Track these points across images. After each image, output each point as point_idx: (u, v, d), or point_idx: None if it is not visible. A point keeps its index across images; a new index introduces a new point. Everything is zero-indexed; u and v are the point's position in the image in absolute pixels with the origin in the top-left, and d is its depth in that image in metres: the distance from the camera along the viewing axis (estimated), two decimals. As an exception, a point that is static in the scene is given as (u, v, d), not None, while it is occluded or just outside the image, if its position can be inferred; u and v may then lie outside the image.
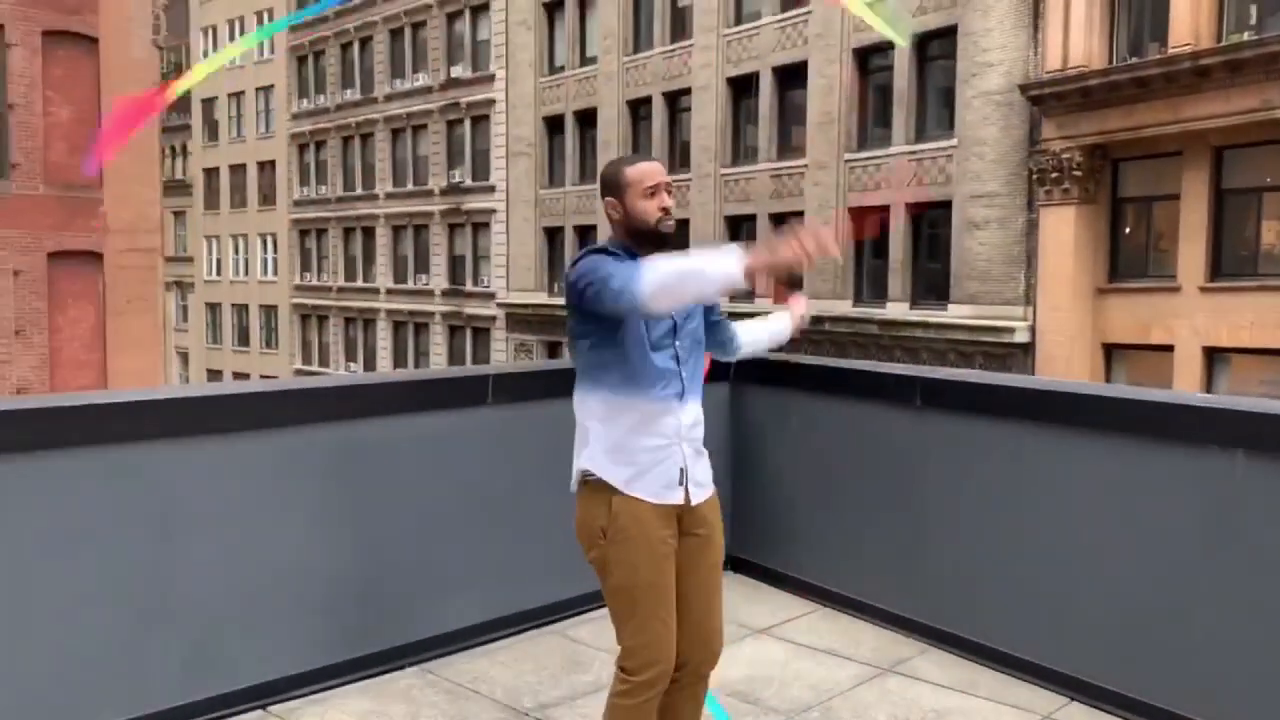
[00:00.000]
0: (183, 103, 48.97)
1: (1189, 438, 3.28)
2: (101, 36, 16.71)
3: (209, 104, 46.72)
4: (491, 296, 33.42)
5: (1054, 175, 19.52)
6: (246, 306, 44.58)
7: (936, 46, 22.30)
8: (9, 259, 16.17)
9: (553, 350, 31.63)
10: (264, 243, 43.79)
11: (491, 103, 33.33)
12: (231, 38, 45.62)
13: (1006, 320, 20.67)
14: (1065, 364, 19.34)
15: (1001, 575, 3.86)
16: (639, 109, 29.14)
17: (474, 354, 33.92)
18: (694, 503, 2.65)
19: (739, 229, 26.57)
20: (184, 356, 48.22)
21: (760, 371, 4.87)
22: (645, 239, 2.63)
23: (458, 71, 34.68)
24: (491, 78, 33.35)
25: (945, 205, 21.88)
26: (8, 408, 2.99)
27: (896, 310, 22.78)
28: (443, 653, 3.90)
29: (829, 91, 23.94)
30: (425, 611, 3.90)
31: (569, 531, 4.22)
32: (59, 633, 3.05)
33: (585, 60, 30.70)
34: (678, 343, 2.64)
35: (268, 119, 43.71)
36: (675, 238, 2.69)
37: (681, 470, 2.62)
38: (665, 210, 2.63)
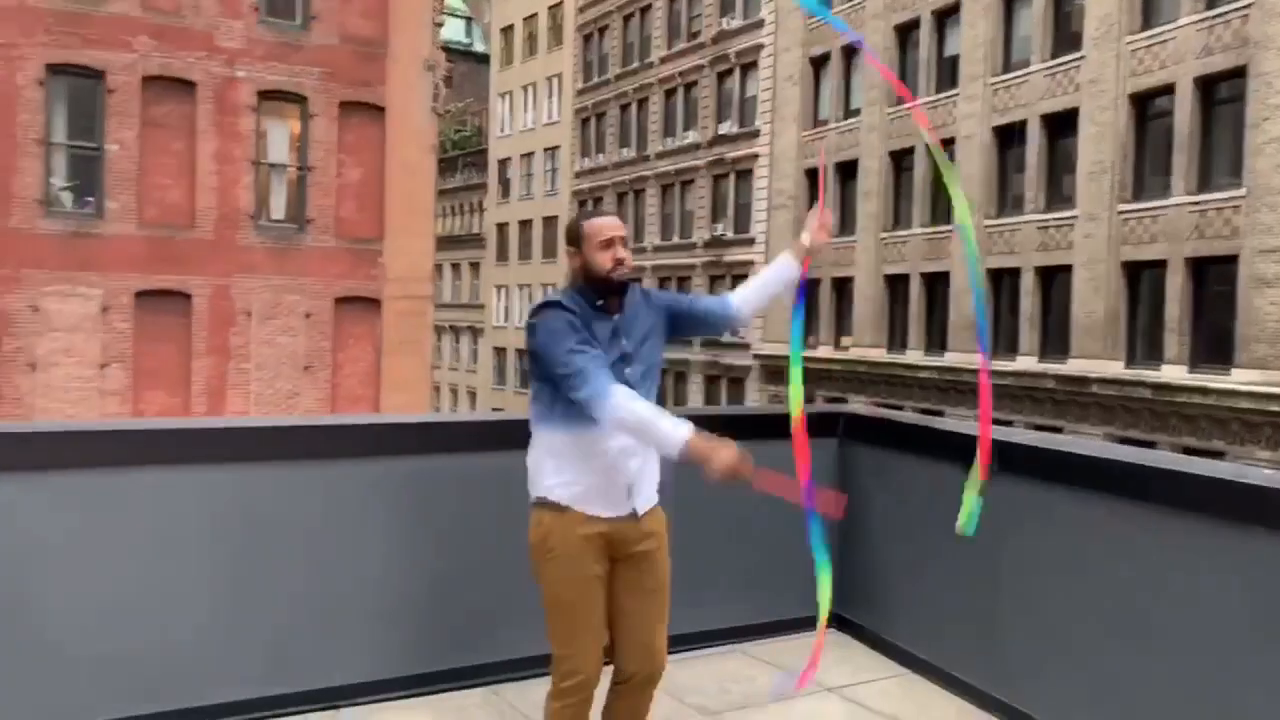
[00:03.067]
0: (480, 162, 53.24)
1: (1247, 517, 3.01)
2: (388, 106, 18.69)
3: (503, 164, 50.47)
4: (747, 348, 33.80)
5: (1358, 227, 17.45)
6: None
7: (1224, 89, 20.62)
8: (302, 303, 18.29)
9: (807, 400, 31.46)
10: (545, 293, 46.54)
11: (755, 157, 33.96)
12: (526, 104, 49.20)
13: (1299, 388, 18.59)
14: (1370, 439, 17.11)
15: (1064, 652, 3.64)
16: (901, 160, 28.76)
17: (728, 404, 34.33)
18: (641, 512, 2.87)
19: (1002, 282, 25.50)
20: (472, 396, 51.90)
21: (865, 429, 4.84)
22: (600, 285, 2.85)
23: (725, 128, 35.62)
24: (756, 133, 34.02)
25: (1231, 260, 20.04)
26: (122, 428, 3.56)
27: (1173, 373, 21.03)
28: (515, 678, 4.13)
29: (1101, 139, 22.66)
30: (499, 637, 4.16)
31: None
32: (158, 623, 3.56)
33: (849, 113, 30.70)
34: (628, 369, 2.83)
35: (553, 178, 46.65)
36: (627, 285, 2.91)
37: (629, 488, 2.84)
38: (619, 261, 2.84)
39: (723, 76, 36.11)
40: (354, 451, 3.94)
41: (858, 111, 30.19)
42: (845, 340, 30.58)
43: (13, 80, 16.15)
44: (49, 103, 16.60)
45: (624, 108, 41.59)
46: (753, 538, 4.76)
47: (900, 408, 28.26)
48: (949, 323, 26.85)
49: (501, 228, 50.17)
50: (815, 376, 31.22)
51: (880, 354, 29.06)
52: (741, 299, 3.17)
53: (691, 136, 37.32)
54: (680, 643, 4.54)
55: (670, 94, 38.77)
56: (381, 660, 3.94)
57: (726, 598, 4.75)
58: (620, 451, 2.83)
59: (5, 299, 16.24)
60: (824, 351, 31.09)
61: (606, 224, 2.88)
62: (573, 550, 2.78)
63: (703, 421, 4.13)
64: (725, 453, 2.54)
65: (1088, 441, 4.73)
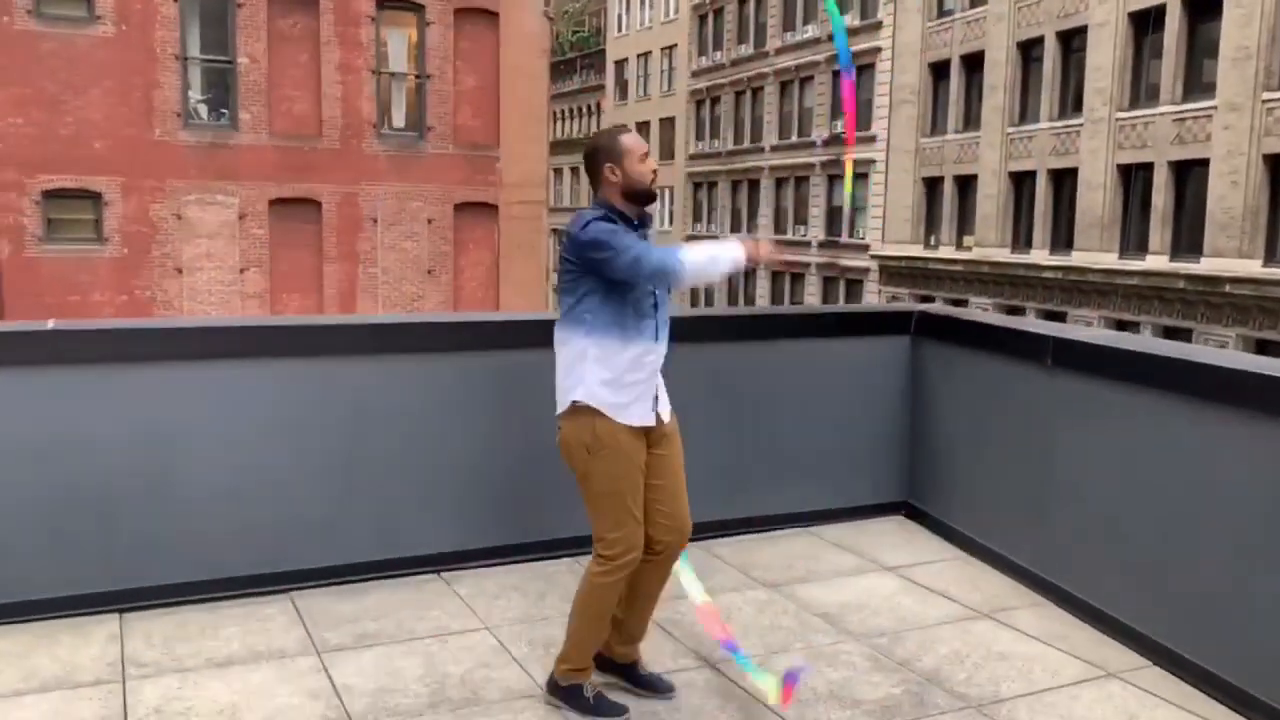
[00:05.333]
0: (598, 64, 52.96)
1: None
2: (501, 11, 18.89)
3: (620, 65, 50.12)
4: (866, 248, 33.36)
5: None
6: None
7: (1387, -38, 19.06)
8: (424, 209, 18.94)
9: (924, 300, 31.00)
10: (662, 196, 46.58)
11: (877, 51, 32.99)
12: (643, 2, 48.49)
13: None
14: None
15: (1111, 536, 3.85)
16: (1030, 50, 27.56)
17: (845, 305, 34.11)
18: (664, 420, 3.17)
19: (1133, 178, 24.46)
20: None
21: (936, 326, 5.01)
22: (639, 198, 3.09)
23: (846, 20, 34.57)
24: (878, 25, 32.99)
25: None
26: (248, 324, 4.03)
27: (1316, 271, 20.03)
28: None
29: (1247, 22, 21.30)
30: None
31: (723, 460, 4.75)
32: (280, 495, 4.07)
33: (975, 2, 29.43)
34: (657, 291, 3.11)
35: (670, 77, 46.18)
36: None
37: (654, 398, 3.13)
38: (655, 172, 3.13)
39: (844, -33, 34.92)
40: (450, 345, 4.35)
41: (985, 0, 28.92)
42: (967, 240, 29.89)
43: (150, -3, 16.95)
44: (184, 19, 17.38)
45: (741, 3, 40.68)
46: (824, 427, 5.03)
47: (1022, 310, 27.63)
48: (1076, 221, 25.96)
49: (620, 130, 50.05)
50: (936, 277, 30.69)
51: (1004, 254, 28.33)
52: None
53: (811, 30, 36.39)
54: (754, 525, 4.93)
55: (790, -14, 37.75)
56: (477, 531, 4.40)
57: (798, 484, 5.05)
58: (644, 363, 3.09)
59: (152, 208, 17.33)
60: (945, 252, 30.47)
61: (640, 140, 3.13)
62: (622, 446, 3.06)
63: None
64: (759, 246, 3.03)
65: (1140, 337, 4.80)
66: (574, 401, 3.09)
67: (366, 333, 4.36)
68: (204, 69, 17.89)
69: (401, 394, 4.24)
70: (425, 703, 3.27)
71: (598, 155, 3.07)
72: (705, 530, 4.81)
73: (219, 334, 4.05)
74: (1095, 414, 3.93)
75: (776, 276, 38.10)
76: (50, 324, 3.77)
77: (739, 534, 4.84)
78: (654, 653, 3.55)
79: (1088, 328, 5.12)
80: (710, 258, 2.99)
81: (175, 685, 3.33)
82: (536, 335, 4.59)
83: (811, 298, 36.12)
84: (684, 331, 4.85)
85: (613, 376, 3.06)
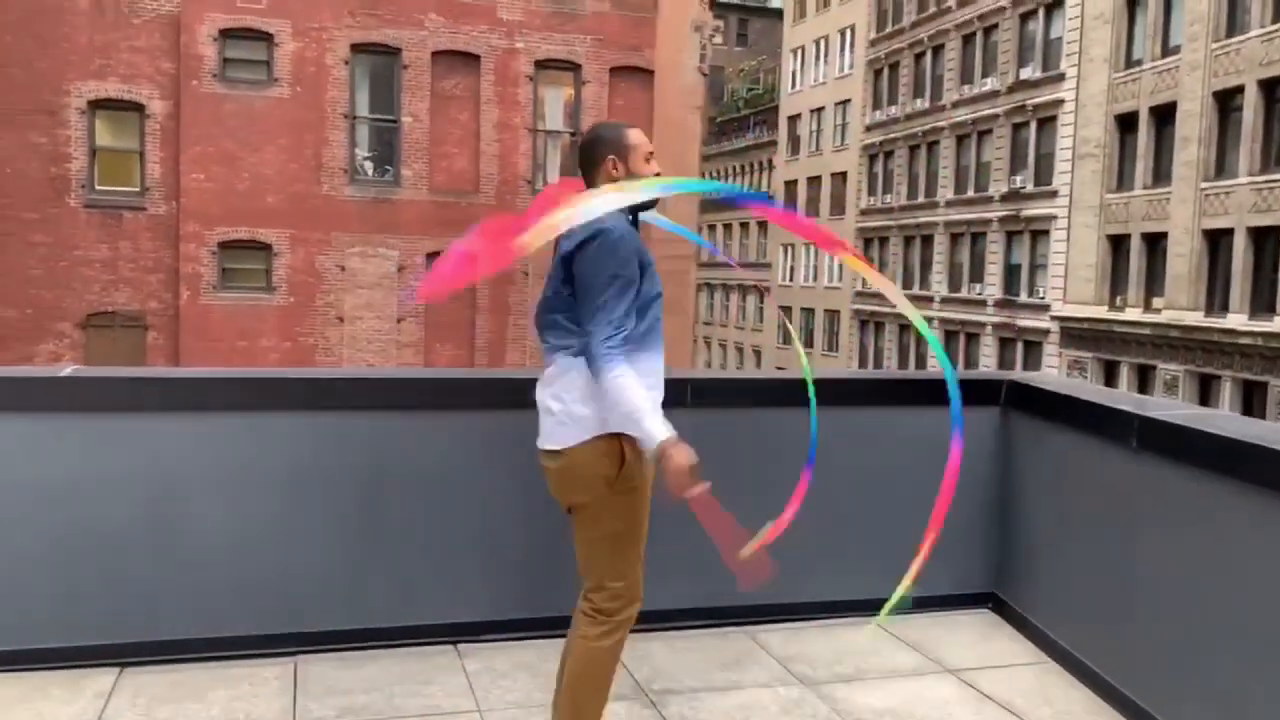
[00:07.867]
0: (770, 119, 52.96)
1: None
2: (656, 69, 19.03)
3: (793, 120, 49.95)
4: (1046, 309, 31.68)
5: None
6: (813, 310, 47.03)
7: None
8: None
9: (1110, 370, 29.12)
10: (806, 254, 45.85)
11: (1059, 103, 31.58)
12: (818, 58, 48.32)
13: None
14: None
15: (1193, 651, 3.24)
16: (1228, 100, 25.72)
17: (1024, 368, 32.41)
18: None
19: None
20: (758, 354, 52.20)
21: (1027, 398, 4.47)
22: (643, 202, 2.73)
23: (1026, 73, 33.34)
24: (1061, 77, 31.61)
25: None
26: (254, 376, 3.94)
27: None
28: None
29: None
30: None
31: (781, 538, 4.34)
32: (291, 552, 3.93)
33: (1167, 51, 27.80)
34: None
35: (843, 132, 45.65)
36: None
37: None
38: (657, 175, 2.74)
39: (1025, 17, 33.74)
40: (480, 403, 4.14)
41: (1177, 49, 27.25)
42: (1156, 301, 27.95)
43: (323, 60, 17.93)
44: (353, 80, 18.29)
45: (918, 56, 39.88)
46: (901, 505, 4.53)
47: (1216, 378, 25.54)
48: (1279, 283, 23.88)
49: (790, 185, 49.80)
50: (1121, 340, 28.77)
51: (1196, 317, 26.31)
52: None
53: (990, 83, 35.22)
54: (812, 611, 4.47)
55: (968, 39, 36.73)
56: (498, 603, 4.14)
57: (867, 568, 4.55)
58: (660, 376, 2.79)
59: (318, 259, 18.17)
60: (1132, 313, 28.56)
61: (645, 137, 2.73)
62: (646, 477, 2.72)
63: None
64: (680, 458, 2.48)
65: (1235, 418, 3.95)
66: (599, 431, 2.68)
67: (388, 386, 4.20)
68: (370, 127, 18.73)
69: (424, 452, 4.05)
70: (377, 793, 3.01)
71: (601, 146, 2.70)
72: (753, 614, 4.43)
73: (235, 385, 3.98)
74: (1179, 506, 3.34)
75: (950, 335, 36.66)
76: (67, 370, 3.77)
77: (793, 620, 4.40)
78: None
79: (1181, 404, 4.36)
80: (627, 404, 2.53)
81: (134, 751, 3.19)
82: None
83: (987, 360, 34.56)
84: (741, 396, 4.55)
85: (646, 396, 2.64)
